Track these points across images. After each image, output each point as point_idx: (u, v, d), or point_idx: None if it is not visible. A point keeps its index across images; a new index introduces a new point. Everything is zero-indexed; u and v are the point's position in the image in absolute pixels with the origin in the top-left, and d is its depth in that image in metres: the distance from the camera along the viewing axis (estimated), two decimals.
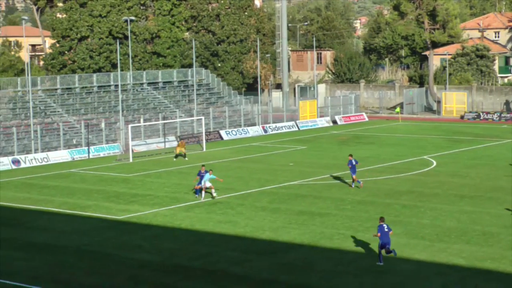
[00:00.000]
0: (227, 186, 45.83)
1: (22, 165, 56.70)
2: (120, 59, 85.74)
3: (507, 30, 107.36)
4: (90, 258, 31.33)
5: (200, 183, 42.49)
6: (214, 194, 42.47)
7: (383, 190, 43.69)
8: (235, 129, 73.84)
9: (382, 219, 30.14)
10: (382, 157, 56.73)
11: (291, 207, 39.88)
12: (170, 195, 43.91)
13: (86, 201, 42.94)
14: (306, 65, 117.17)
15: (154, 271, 29.42)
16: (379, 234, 29.48)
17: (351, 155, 45.31)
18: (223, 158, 58.62)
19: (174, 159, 57.89)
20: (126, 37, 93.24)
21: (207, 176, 42.12)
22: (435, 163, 53.67)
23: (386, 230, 29.50)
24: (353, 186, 44.78)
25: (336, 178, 48.53)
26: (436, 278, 27.84)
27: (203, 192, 42.46)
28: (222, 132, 72.29)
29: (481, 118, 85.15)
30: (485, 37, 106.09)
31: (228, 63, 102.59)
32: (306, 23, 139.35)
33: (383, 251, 29.49)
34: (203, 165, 44.65)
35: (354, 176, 44.58)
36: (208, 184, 42.22)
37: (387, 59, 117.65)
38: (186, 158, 58.00)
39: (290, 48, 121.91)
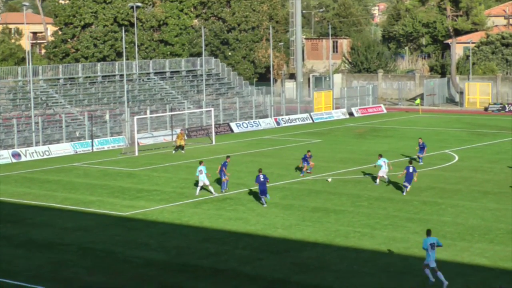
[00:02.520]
0: (237, 181, 45.87)
1: (23, 158, 56.93)
2: (126, 48, 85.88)
3: None
4: (94, 256, 31.45)
5: (223, 175, 42.80)
6: (212, 191, 42.45)
7: (401, 186, 43.57)
8: (246, 121, 73.84)
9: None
10: (401, 151, 56.62)
11: (304, 204, 39.88)
12: (178, 191, 44.00)
13: (90, 196, 43.07)
14: (321, 54, 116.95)
15: (161, 270, 29.50)
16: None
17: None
18: (233, 151, 58.63)
19: (173, 152, 57.97)
20: (132, 24, 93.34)
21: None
22: (457, 158, 53.51)
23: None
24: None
25: (352, 173, 48.48)
26: (457, 278, 27.77)
27: (197, 188, 42.55)
28: (233, 125, 72.31)
29: (507, 110, 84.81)
30: (511, 25, 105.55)
31: (239, 52, 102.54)
32: (321, 10, 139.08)
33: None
34: (228, 156, 45.49)
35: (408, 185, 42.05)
36: (207, 182, 42.25)
37: (406, 48, 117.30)
38: (183, 151, 58.03)
39: (304, 36, 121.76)
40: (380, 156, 45.14)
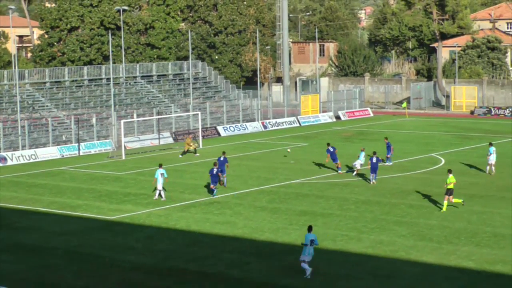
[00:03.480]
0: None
1: (9, 162, 56.72)
2: (112, 51, 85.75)
3: None
4: (80, 261, 31.34)
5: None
6: (163, 197, 42.09)
7: (389, 189, 43.72)
8: (233, 125, 73.85)
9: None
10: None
11: (291, 207, 39.91)
12: (165, 194, 43.87)
13: (76, 200, 42.95)
14: (308, 58, 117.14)
15: (148, 274, 29.45)
16: None
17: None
18: (220, 155, 58.55)
19: (180, 156, 58.18)
20: (118, 28, 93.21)
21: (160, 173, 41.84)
22: (443, 161, 53.68)
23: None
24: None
25: (339, 176, 48.56)
26: (444, 282, 27.87)
27: (157, 192, 42.20)
28: (220, 128, 72.31)
29: (492, 113, 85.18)
30: (496, 28, 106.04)
31: (226, 56, 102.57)
32: (308, 14, 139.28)
33: None
34: (223, 152, 46.44)
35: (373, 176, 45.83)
36: (159, 185, 41.77)
37: (393, 52, 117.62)
38: (197, 154, 58.58)
39: (291, 40, 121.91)
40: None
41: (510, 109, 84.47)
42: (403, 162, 53.48)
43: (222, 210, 39.73)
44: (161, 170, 42.04)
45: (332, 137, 68.70)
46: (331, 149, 49.45)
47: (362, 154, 48.49)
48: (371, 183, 45.37)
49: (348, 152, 55.87)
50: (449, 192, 38.44)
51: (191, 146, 58.61)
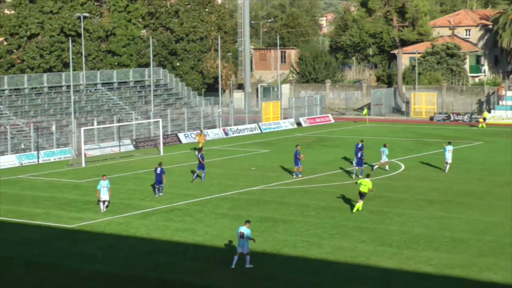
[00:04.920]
0: (185, 192, 45.81)
1: None
2: (73, 58, 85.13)
3: (478, 28, 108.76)
4: (40, 270, 31.06)
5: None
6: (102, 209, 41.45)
7: (349, 195, 43.95)
8: (195, 132, 73.72)
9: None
10: (349, 161, 57.04)
11: (253, 214, 39.93)
12: (125, 202, 43.73)
13: (35, 209, 42.55)
14: (270, 65, 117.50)
15: (108, 282, 29.29)
16: None
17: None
18: (182, 162, 58.53)
19: (196, 153, 60.09)
20: (79, 35, 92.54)
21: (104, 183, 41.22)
22: (403, 167, 54.14)
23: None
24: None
25: (300, 183, 48.72)
26: (404, 287, 28.10)
27: (101, 203, 41.40)
28: (181, 135, 72.17)
29: (451, 119, 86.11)
30: (455, 35, 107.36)
31: (187, 62, 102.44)
32: (269, 20, 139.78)
33: None
34: (201, 148, 44.79)
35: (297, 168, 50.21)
36: (105, 196, 41.11)
37: (354, 58, 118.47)
38: (196, 153, 59.89)
39: (252, 47, 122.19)
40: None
41: (469, 115, 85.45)
42: (364, 167, 53.74)
43: (183, 217, 39.65)
44: (104, 183, 41.37)
45: (293, 143, 68.84)
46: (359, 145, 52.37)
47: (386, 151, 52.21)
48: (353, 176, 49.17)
49: (309, 158, 56.07)
50: (362, 195, 39.64)
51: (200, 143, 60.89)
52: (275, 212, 40.37)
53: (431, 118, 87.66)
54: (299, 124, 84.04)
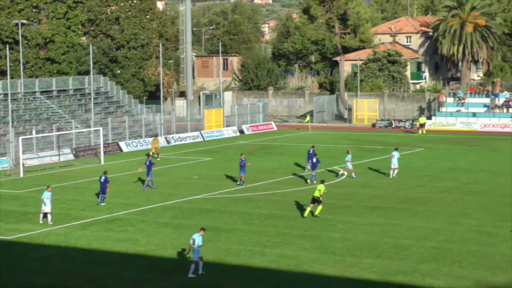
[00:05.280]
0: (127, 202, 45.40)
1: None
2: (10, 66, 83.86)
3: (419, 35, 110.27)
4: None
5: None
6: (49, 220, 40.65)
7: (292, 203, 44.06)
8: (136, 141, 73.19)
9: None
10: (292, 168, 57.23)
11: (195, 223, 39.70)
12: (65, 212, 43.16)
13: None
14: (212, 72, 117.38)
15: None
16: None
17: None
18: (123, 171, 58.00)
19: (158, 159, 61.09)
20: (16, 42, 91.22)
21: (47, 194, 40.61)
22: (346, 174, 54.45)
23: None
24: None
25: (243, 191, 48.67)
26: None
27: (42, 215, 40.58)
28: (122, 144, 71.54)
29: (393, 126, 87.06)
30: (397, 42, 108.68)
31: (128, 70, 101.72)
32: (211, 27, 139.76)
33: None
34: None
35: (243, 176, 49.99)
36: (47, 208, 40.43)
37: (296, 65, 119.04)
38: (158, 159, 60.85)
39: (194, 54, 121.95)
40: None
41: (410, 122, 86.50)
42: (307, 175, 53.97)
43: (124, 227, 39.26)
44: (47, 194, 40.71)
45: (236, 151, 68.83)
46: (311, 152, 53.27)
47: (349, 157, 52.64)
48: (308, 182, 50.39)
49: (252, 166, 56.01)
50: (314, 200, 40.21)
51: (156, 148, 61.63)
52: (217, 221, 40.25)
53: (373, 125, 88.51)
54: (241, 131, 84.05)
